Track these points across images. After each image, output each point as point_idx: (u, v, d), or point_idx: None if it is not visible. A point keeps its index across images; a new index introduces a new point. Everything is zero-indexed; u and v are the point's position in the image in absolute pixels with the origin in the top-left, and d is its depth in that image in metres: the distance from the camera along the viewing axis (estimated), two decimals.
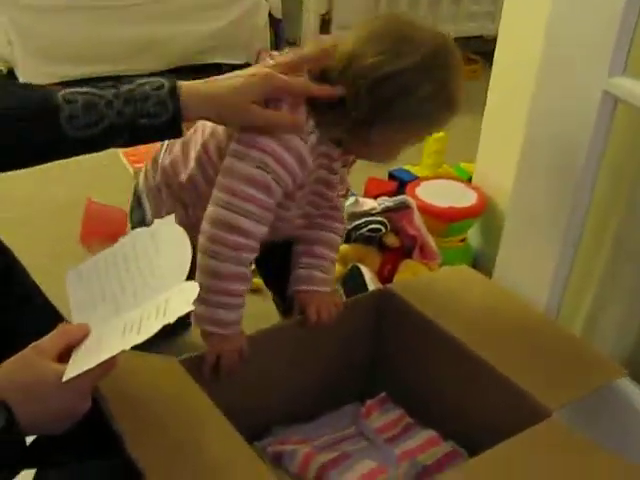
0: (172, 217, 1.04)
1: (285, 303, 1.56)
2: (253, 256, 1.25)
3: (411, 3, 3.47)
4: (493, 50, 2.03)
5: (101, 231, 2.07)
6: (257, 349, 1.31)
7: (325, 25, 3.36)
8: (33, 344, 0.90)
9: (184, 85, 1.15)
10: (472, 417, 1.35)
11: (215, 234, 1.19)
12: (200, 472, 1.00)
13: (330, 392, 1.49)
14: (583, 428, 1.19)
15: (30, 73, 2.95)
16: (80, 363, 0.89)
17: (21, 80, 2.95)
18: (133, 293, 0.98)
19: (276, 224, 1.29)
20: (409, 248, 1.93)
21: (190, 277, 0.96)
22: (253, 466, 1.03)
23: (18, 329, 0.94)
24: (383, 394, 1.50)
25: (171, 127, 1.14)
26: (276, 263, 1.50)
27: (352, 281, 1.78)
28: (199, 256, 1.21)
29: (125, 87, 1.12)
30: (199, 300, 1.03)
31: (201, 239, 1.21)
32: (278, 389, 1.41)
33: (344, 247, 1.92)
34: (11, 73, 3.04)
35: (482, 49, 3.34)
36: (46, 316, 0.94)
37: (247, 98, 1.17)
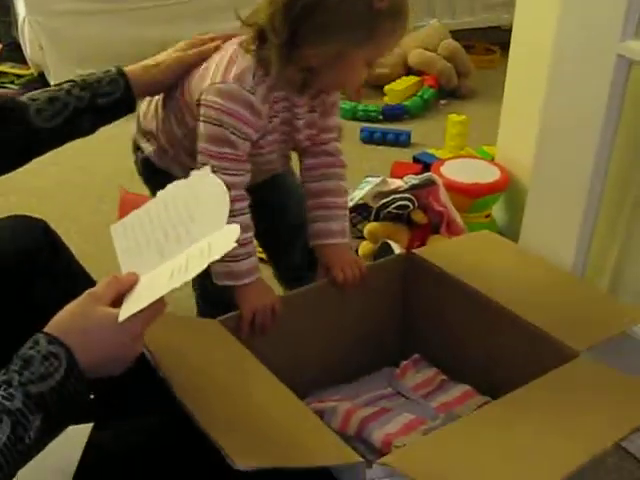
0: (208, 168, 1.11)
1: (285, 274, 1.69)
2: (245, 204, 1.35)
3: None
4: (509, 40, 2.10)
5: None
6: (289, 310, 1.39)
7: None
8: (87, 291, 0.95)
9: (129, 67, 1.37)
10: (504, 368, 1.39)
11: None
12: (246, 414, 1.06)
13: (364, 356, 1.54)
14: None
15: (60, 76, 3.00)
16: (133, 305, 0.93)
17: (52, 82, 3.04)
18: (176, 239, 1.02)
19: (255, 167, 1.38)
20: (436, 224, 1.98)
21: None
22: (294, 407, 1.11)
23: (65, 300, 1.00)
24: (416, 355, 1.56)
25: (126, 101, 1.36)
26: (277, 239, 1.64)
27: (383, 257, 1.85)
28: None
29: (79, 77, 1.32)
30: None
31: None
32: (313, 352, 1.47)
33: (373, 225, 1.99)
34: (41, 76, 3.14)
35: (499, 39, 3.41)
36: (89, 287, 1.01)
37: (177, 57, 1.42)
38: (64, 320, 0.93)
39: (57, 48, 3.02)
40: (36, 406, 0.85)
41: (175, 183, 1.12)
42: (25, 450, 0.84)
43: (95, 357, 0.92)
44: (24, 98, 1.27)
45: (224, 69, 1.32)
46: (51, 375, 0.87)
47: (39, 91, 1.30)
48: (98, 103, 1.32)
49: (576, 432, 1.06)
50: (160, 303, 0.94)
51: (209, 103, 1.31)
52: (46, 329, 0.91)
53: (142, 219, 1.11)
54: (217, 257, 0.92)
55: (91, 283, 1.25)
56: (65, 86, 1.31)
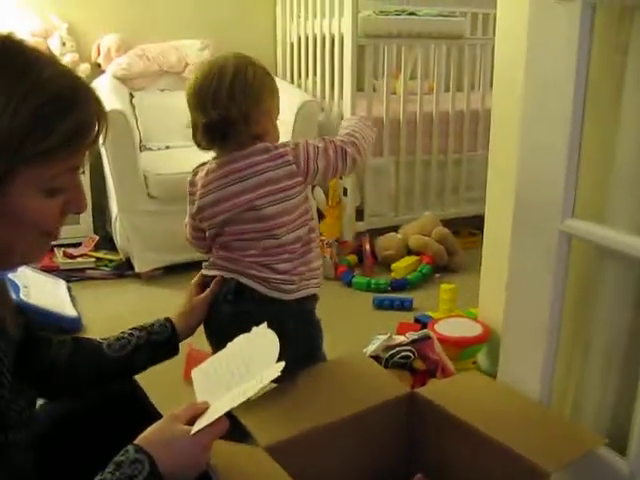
0: (265, 325, 1.18)
1: None
2: None
3: (424, 194, 3.66)
4: None
5: None
6: (310, 446, 1.36)
7: (360, 214, 3.49)
8: (169, 413, 1.00)
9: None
10: None
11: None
12: None
13: (376, 474, 1.52)
14: None
15: (142, 261, 3.13)
16: (203, 421, 0.98)
17: (136, 265, 3.14)
18: (240, 376, 1.09)
19: None
20: (433, 370, 1.99)
21: None
22: None
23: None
24: (419, 475, 1.53)
25: (172, 341, 1.38)
26: None
27: None
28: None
29: (138, 326, 1.36)
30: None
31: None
32: (336, 473, 1.45)
33: None
34: (128, 260, 3.22)
35: (480, 225, 3.47)
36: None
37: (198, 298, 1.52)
38: (148, 434, 0.96)
39: (140, 239, 3.12)
40: None
41: (239, 337, 1.21)
42: None
43: (172, 464, 0.93)
44: (98, 339, 1.31)
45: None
46: (136, 476, 0.89)
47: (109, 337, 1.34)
48: (152, 339, 1.34)
49: None
50: (223, 422, 0.98)
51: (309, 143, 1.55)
52: (135, 442, 0.94)
53: (215, 365, 1.19)
54: (266, 383, 0.99)
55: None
56: (127, 330, 1.34)
